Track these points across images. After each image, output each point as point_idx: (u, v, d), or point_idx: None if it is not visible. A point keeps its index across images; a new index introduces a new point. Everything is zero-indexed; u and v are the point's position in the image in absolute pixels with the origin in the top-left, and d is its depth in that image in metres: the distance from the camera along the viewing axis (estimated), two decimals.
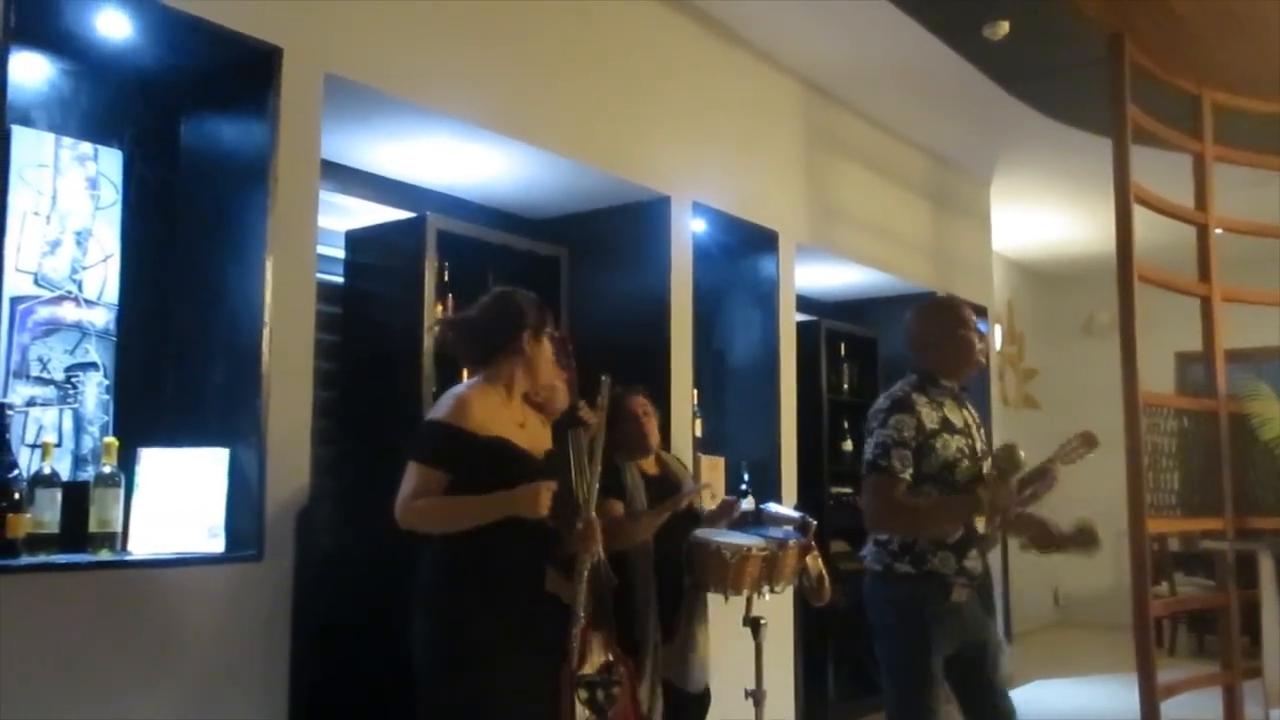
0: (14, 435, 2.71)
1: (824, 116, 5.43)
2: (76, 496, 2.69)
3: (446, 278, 3.74)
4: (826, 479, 5.46)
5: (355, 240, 3.81)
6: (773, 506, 3.70)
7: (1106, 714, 5.67)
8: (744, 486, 4.74)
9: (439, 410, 2.63)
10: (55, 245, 2.93)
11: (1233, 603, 4.38)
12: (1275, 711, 4.19)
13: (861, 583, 2.96)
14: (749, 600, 3.26)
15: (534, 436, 2.73)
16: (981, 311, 6.43)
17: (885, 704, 2.93)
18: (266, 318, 2.86)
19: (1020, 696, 2.95)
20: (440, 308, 3.64)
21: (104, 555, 2.64)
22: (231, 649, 2.73)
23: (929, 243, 6.32)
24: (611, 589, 2.94)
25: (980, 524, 2.86)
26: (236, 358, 2.92)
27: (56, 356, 2.91)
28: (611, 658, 2.87)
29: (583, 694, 2.77)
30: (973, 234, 6.85)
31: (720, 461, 4.76)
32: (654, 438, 3.46)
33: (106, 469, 2.72)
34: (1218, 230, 4.56)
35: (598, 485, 2.82)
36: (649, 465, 3.46)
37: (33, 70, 2.89)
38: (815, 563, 3.36)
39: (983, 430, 3.06)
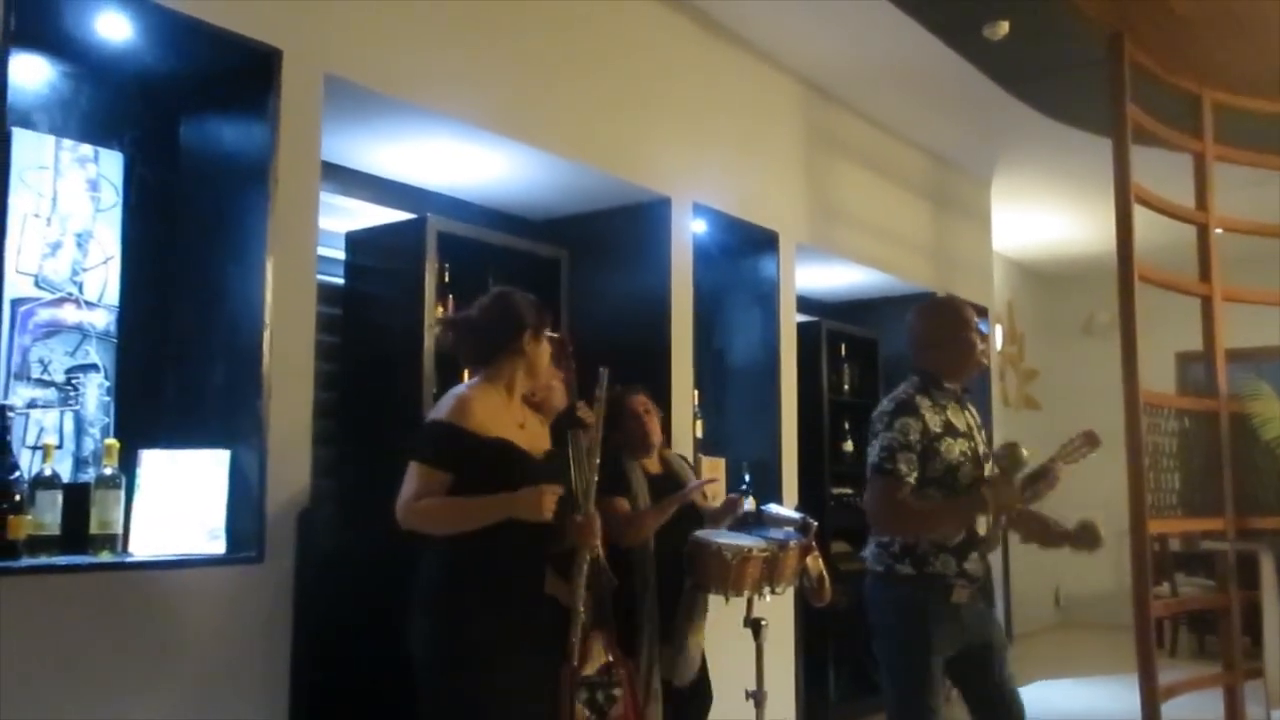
0: (15, 437, 2.71)
1: (824, 116, 5.43)
2: (77, 498, 2.69)
3: (447, 279, 3.74)
4: (827, 480, 5.46)
5: (355, 241, 3.81)
6: (773, 507, 3.69)
7: (1107, 715, 5.66)
8: (745, 487, 4.74)
9: (441, 411, 2.63)
10: (56, 247, 2.93)
11: (1234, 603, 4.37)
12: (1276, 712, 4.17)
13: (862, 583, 2.95)
14: (750, 601, 3.26)
15: (534, 437, 2.73)
16: (982, 312, 6.43)
17: (885, 705, 2.93)
18: (267, 319, 2.86)
19: (1021, 697, 2.95)
20: (441, 309, 3.63)
21: (105, 557, 2.64)
22: (232, 650, 2.73)
23: (929, 243, 6.32)
24: (611, 590, 2.94)
25: (982, 524, 2.86)
26: (237, 359, 2.92)
27: (57, 358, 2.91)
28: (612, 659, 2.88)
29: (583, 695, 2.78)
30: (973, 234, 6.86)
31: (721, 463, 4.76)
32: (656, 435, 3.46)
33: (107, 471, 2.73)
34: (1218, 230, 4.55)
35: (595, 480, 2.82)
36: (652, 464, 3.46)
37: (33, 72, 2.89)
38: (816, 563, 3.36)
39: (984, 432, 3.06)
